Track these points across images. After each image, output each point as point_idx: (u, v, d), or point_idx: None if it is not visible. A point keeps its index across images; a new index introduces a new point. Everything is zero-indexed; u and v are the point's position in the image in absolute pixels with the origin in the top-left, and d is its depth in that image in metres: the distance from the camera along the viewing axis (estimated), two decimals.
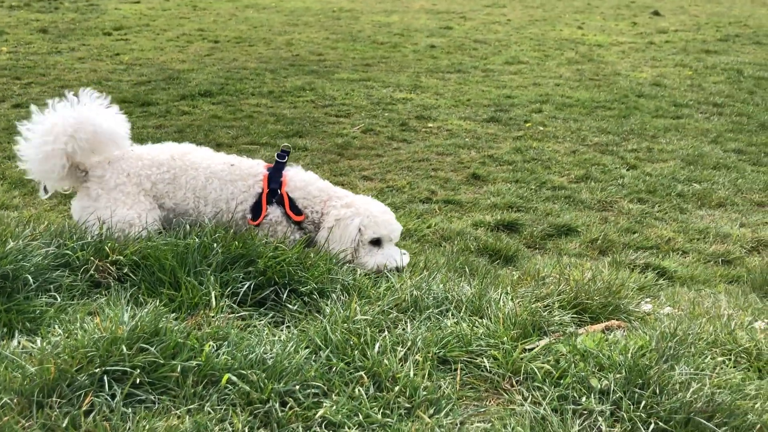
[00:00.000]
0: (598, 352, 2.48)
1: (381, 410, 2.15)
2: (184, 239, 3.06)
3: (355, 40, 15.82)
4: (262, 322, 2.66)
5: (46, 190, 3.43)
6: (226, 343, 2.36)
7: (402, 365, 2.35)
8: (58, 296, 2.65)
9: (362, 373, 2.29)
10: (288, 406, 2.12)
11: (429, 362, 2.39)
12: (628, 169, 8.14)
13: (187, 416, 2.03)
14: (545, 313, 2.80)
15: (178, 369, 2.16)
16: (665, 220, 6.71)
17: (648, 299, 3.63)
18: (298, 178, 3.55)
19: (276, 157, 3.57)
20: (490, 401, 2.31)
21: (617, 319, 3.00)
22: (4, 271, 2.63)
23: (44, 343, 2.22)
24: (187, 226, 3.26)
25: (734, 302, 3.98)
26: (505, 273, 4.05)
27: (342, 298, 2.86)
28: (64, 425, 1.94)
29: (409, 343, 2.48)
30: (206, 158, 3.53)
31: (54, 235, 3.09)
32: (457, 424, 2.15)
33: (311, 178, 3.61)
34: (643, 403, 2.20)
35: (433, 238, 5.88)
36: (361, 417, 2.11)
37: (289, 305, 2.80)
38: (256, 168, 3.56)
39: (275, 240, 3.30)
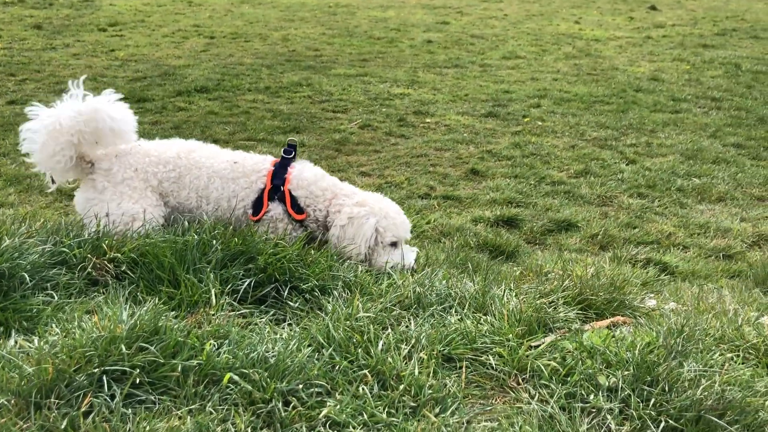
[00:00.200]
0: (605, 348, 2.45)
1: (386, 409, 2.11)
2: (183, 236, 3.02)
3: (352, 36, 15.75)
4: (263, 320, 2.63)
5: (53, 181, 3.45)
6: (227, 341, 2.32)
7: (406, 363, 2.31)
8: (55, 294, 2.61)
9: (366, 371, 2.26)
10: (291, 405, 2.09)
11: (434, 360, 2.35)
12: (627, 164, 8.11)
13: (189, 417, 1.99)
14: (550, 309, 2.77)
15: (179, 368, 2.12)
16: (665, 214, 6.68)
17: (651, 295, 3.60)
18: (302, 176, 3.51)
19: (282, 153, 3.53)
20: (496, 399, 2.27)
21: (622, 315, 2.96)
22: (0, 269, 2.58)
23: (42, 343, 2.18)
24: (185, 223, 3.24)
25: (738, 297, 3.95)
26: (507, 269, 4.02)
27: (344, 295, 2.82)
28: (62, 427, 1.90)
29: (413, 341, 2.44)
30: (210, 157, 3.52)
31: (50, 233, 3.06)
32: (463, 423, 2.12)
33: (316, 175, 3.56)
34: (653, 400, 2.17)
35: (432, 234, 5.84)
36: (365, 416, 2.08)
37: (290, 302, 2.77)
38: (261, 164, 3.53)
39: (275, 237, 3.27)
